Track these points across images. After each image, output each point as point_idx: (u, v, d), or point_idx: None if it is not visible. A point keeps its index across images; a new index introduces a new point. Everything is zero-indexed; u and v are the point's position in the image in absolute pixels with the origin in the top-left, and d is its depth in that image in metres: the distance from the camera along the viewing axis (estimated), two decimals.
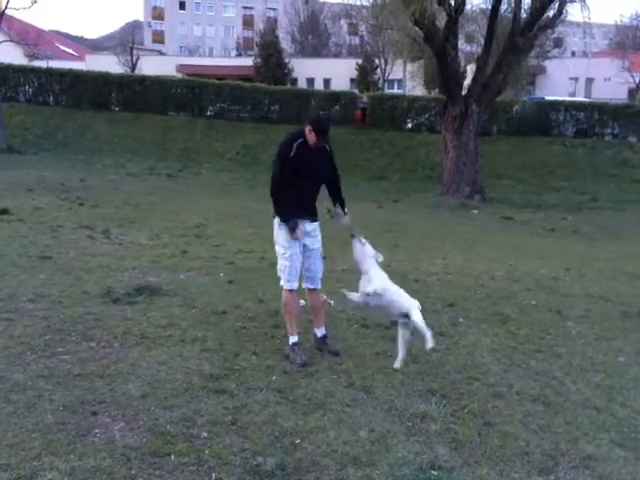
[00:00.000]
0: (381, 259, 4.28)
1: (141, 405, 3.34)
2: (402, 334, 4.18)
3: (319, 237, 4.37)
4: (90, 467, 2.72)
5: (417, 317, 4.07)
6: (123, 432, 3.04)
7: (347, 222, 4.40)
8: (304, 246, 4.26)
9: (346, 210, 4.43)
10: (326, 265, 4.57)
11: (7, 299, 5.06)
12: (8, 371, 3.65)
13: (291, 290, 4.25)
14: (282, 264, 4.25)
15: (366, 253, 4.23)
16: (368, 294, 4.13)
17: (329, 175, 4.38)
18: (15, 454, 2.77)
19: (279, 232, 4.24)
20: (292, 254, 4.20)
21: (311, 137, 4.10)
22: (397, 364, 4.17)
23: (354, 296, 4.25)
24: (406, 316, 4.10)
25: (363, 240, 4.27)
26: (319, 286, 4.46)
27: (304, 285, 4.43)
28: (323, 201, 4.44)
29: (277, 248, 4.29)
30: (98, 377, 3.66)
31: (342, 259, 7.31)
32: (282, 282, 4.28)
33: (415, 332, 4.10)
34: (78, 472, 2.67)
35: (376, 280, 4.15)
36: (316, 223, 4.34)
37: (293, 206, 4.16)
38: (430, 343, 4.02)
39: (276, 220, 4.26)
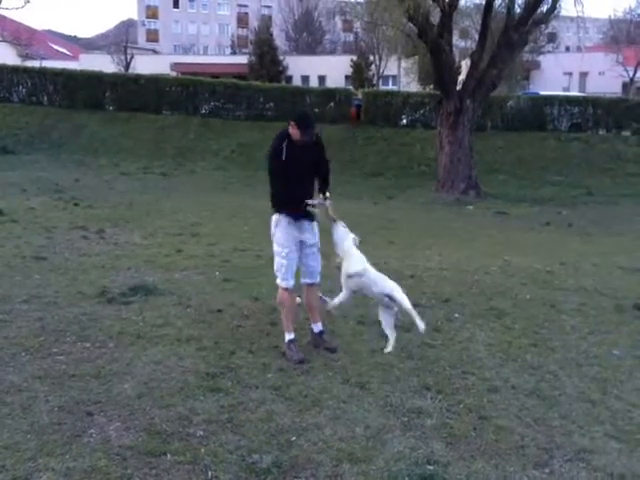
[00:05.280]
0: (358, 242, 4.40)
1: (137, 405, 3.34)
2: (385, 317, 4.36)
3: (317, 232, 4.37)
4: (86, 467, 2.72)
5: (401, 296, 4.24)
6: (119, 432, 3.04)
7: (327, 206, 4.30)
8: (301, 242, 4.27)
9: (327, 195, 4.34)
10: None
11: (1, 300, 5.04)
12: (3, 372, 3.65)
13: (287, 288, 4.26)
14: (279, 262, 4.25)
15: (346, 236, 4.35)
16: (350, 275, 4.24)
17: (321, 169, 4.38)
18: (10, 455, 2.77)
19: (276, 230, 4.25)
20: (289, 252, 4.20)
21: (295, 133, 4.11)
22: (389, 348, 4.31)
23: (337, 298, 4.38)
24: (389, 297, 4.26)
25: (342, 224, 4.37)
26: (317, 280, 4.45)
27: (302, 281, 4.42)
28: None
29: (274, 246, 4.29)
30: (93, 377, 3.66)
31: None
32: (278, 280, 4.28)
33: (402, 314, 4.30)
34: (74, 472, 2.67)
35: (357, 260, 4.29)
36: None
37: (292, 203, 4.17)
38: (421, 324, 4.19)
39: (273, 217, 4.27)
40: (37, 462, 2.73)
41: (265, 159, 4.32)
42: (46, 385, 3.51)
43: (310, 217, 4.28)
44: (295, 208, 4.19)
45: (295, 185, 4.17)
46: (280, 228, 4.22)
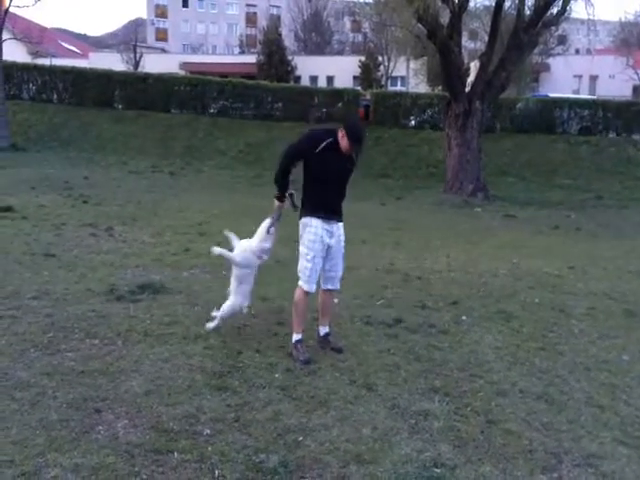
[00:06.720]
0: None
1: (144, 402, 3.35)
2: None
3: (343, 237, 4.33)
4: (93, 464, 2.72)
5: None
6: (126, 429, 3.05)
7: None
8: (329, 247, 4.22)
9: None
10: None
11: (11, 296, 5.07)
12: (12, 368, 3.66)
13: (307, 292, 4.23)
14: (304, 265, 4.20)
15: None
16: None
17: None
18: (19, 451, 2.78)
19: (305, 232, 4.20)
20: (315, 257, 4.15)
21: (343, 142, 4.07)
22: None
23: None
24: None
25: (272, 230, 4.44)
26: (338, 287, 4.44)
27: (322, 285, 4.37)
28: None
29: (301, 248, 4.24)
30: (101, 374, 3.67)
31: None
32: (300, 282, 4.23)
33: None
34: (82, 469, 2.68)
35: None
36: (341, 223, 4.31)
37: (318, 205, 4.15)
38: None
39: (301, 221, 4.23)
40: (45, 458, 2.74)
41: (289, 145, 4.21)
42: (54, 381, 3.52)
43: (338, 219, 4.25)
44: (323, 211, 4.16)
45: (325, 188, 4.16)
46: (310, 231, 4.16)
